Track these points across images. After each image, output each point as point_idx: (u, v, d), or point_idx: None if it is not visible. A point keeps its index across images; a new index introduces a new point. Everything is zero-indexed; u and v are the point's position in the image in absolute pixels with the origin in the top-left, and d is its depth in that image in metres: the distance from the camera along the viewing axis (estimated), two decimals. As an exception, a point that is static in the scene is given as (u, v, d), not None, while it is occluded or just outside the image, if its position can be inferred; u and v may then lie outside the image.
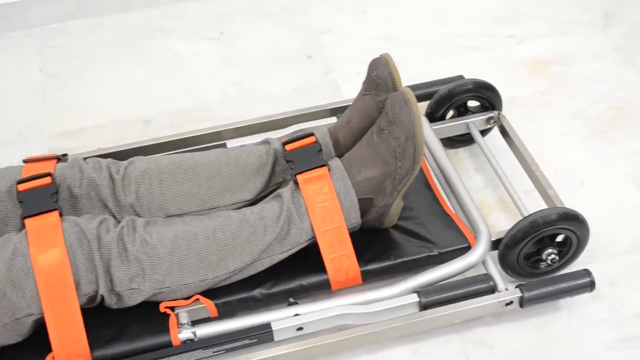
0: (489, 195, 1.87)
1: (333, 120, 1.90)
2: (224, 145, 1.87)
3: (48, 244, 1.45)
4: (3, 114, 2.19)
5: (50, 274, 1.43)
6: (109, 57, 2.35)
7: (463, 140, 1.97)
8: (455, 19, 2.43)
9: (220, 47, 2.35)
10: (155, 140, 1.90)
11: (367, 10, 2.45)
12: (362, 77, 1.70)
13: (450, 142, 1.96)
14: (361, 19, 2.42)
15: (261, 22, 2.44)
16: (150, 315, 1.52)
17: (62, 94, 2.24)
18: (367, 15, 2.44)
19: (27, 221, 1.49)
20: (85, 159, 1.64)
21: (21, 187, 1.53)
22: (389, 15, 2.43)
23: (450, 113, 1.92)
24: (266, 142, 1.69)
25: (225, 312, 1.55)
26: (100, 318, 1.51)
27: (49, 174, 1.55)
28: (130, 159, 1.64)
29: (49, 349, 1.46)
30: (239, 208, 1.62)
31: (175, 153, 1.75)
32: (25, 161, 1.63)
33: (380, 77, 1.61)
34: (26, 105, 2.21)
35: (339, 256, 1.56)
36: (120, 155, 1.81)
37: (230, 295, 1.55)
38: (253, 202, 1.64)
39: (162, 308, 1.52)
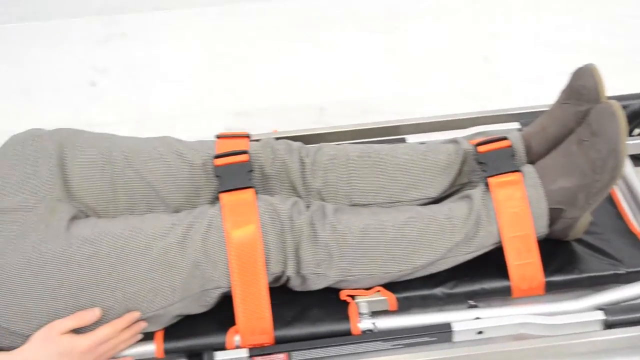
0: (672, 218, 1.81)
1: (513, 125, 1.88)
2: (402, 140, 1.87)
3: (242, 220, 1.47)
4: (178, 89, 2.24)
5: (242, 249, 1.45)
6: (278, 41, 2.37)
7: (646, 159, 1.91)
8: (633, 32, 2.36)
9: (392, 42, 2.35)
10: (331, 129, 1.91)
11: (542, 17, 2.41)
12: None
13: (633, 160, 1.90)
14: (535, 26, 2.39)
15: (434, 20, 2.43)
16: (330, 301, 1.53)
17: (234, 74, 2.27)
18: (542, 22, 2.40)
19: (223, 196, 1.51)
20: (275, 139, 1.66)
21: (218, 162, 1.56)
22: (563, 23, 2.39)
23: (637, 130, 1.87)
24: (455, 141, 1.68)
25: (403, 307, 1.55)
26: (282, 298, 1.52)
27: (246, 152, 1.57)
28: (319, 145, 1.65)
29: (231, 323, 1.49)
30: (422, 205, 1.61)
31: (360, 143, 1.75)
32: (218, 136, 1.66)
33: (585, 87, 1.57)
34: (199, 83, 2.26)
35: (524, 264, 1.53)
36: (296, 140, 1.82)
37: (411, 291, 1.54)
38: (436, 200, 1.63)
39: (342, 296, 1.53)
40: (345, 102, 2.15)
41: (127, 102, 2.20)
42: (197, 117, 2.14)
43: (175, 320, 1.50)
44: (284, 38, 2.38)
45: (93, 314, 1.40)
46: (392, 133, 1.90)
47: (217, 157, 1.57)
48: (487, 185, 1.55)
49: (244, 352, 1.47)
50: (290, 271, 1.48)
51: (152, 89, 2.23)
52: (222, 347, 1.49)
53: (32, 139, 1.58)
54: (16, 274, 1.39)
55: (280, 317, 1.50)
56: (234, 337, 1.49)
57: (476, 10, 2.45)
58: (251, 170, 1.55)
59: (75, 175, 1.55)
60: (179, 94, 2.22)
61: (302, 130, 1.89)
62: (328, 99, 2.16)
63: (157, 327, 1.49)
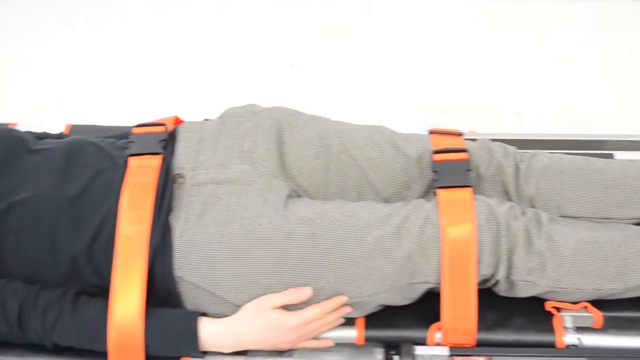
0: None
1: None
2: (610, 155, 1.82)
3: (459, 218, 1.46)
4: (371, 80, 2.25)
5: (456, 248, 1.44)
6: (474, 41, 2.35)
7: None
8: None
9: (599, 53, 2.29)
10: (531, 136, 1.89)
11: None
12: None
13: None
14: None
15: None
16: (534, 311, 1.51)
17: (433, 70, 2.27)
18: None
19: (440, 192, 1.51)
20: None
21: (437, 157, 1.56)
22: None
23: None
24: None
25: (608, 326, 1.51)
26: (485, 300, 1.50)
27: (465, 150, 1.56)
28: (534, 151, 1.63)
29: (432, 318, 1.48)
30: (636, 224, 1.57)
31: (574, 154, 1.71)
32: (430, 131, 1.65)
33: None
34: (395, 75, 2.26)
35: None
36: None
37: (619, 311, 1.51)
38: (651, 222, 1.58)
39: (548, 307, 1.51)
40: (546, 109, 2.11)
41: (322, 88, 2.22)
42: (390, 109, 2.14)
43: (376, 310, 1.51)
44: (480, 37, 2.36)
45: (305, 293, 1.42)
46: (596, 147, 1.86)
47: (437, 152, 1.56)
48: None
49: (444, 350, 1.47)
50: (500, 275, 1.47)
51: (347, 77, 2.25)
52: (421, 342, 1.49)
53: (250, 114, 1.61)
54: (236, 245, 1.42)
55: (482, 319, 1.48)
56: (435, 333, 1.48)
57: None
58: (469, 169, 1.54)
59: (292, 155, 1.57)
60: (371, 84, 2.23)
61: (498, 134, 1.86)
62: (527, 104, 2.12)
63: (360, 313, 1.50)
